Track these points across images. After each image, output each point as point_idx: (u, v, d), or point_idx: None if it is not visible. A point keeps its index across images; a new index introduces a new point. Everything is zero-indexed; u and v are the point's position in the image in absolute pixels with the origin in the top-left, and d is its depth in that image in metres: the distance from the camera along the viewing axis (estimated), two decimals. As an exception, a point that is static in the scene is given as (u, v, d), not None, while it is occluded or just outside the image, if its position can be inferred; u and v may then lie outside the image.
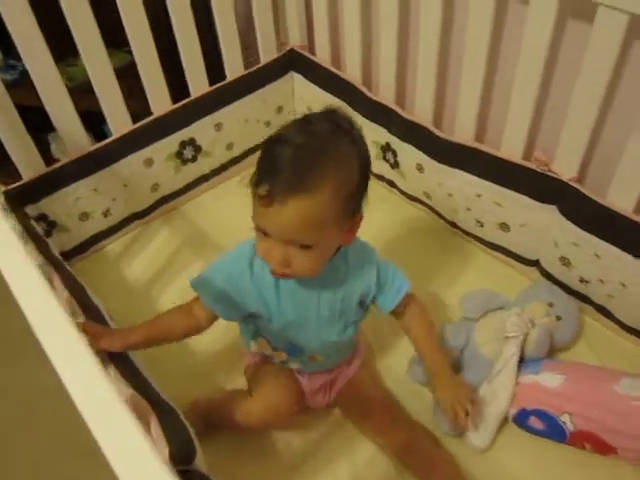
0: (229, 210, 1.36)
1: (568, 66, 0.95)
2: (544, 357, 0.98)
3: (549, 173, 1.01)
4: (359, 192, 0.73)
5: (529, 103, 0.99)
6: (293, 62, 1.40)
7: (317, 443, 0.96)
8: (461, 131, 1.13)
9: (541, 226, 1.06)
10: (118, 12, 1.09)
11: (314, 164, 0.67)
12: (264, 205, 0.67)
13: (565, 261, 1.05)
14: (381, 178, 1.36)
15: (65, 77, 1.21)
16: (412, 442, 0.91)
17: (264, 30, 1.36)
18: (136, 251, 1.30)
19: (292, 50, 1.39)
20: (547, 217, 1.04)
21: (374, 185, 1.39)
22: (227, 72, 1.32)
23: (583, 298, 1.07)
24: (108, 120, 1.19)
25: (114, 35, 1.14)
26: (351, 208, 0.72)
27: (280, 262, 0.71)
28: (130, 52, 1.17)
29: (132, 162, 1.23)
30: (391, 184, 1.35)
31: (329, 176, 0.67)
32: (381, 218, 1.31)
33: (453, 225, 1.24)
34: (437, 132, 1.15)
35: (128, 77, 1.22)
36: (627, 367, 1.01)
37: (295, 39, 1.40)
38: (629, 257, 0.94)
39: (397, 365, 1.04)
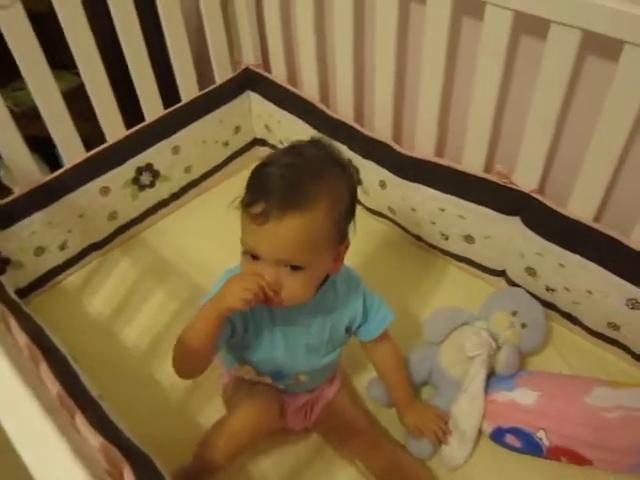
0: (191, 234, 1.34)
1: (525, 80, 0.96)
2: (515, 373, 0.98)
3: (510, 185, 1.02)
4: (347, 218, 0.76)
5: (488, 116, 1.00)
6: (249, 81, 1.38)
7: (296, 469, 0.94)
8: (421, 146, 1.14)
9: (505, 237, 1.07)
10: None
11: (308, 183, 0.69)
12: (259, 223, 0.67)
13: (531, 271, 1.06)
14: (344, 194, 1.35)
15: (10, 102, 1.16)
16: (395, 464, 0.90)
17: (217, 49, 1.33)
18: (96, 283, 1.26)
19: (247, 69, 1.38)
20: (511, 228, 1.05)
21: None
22: (182, 94, 1.29)
23: (550, 306, 1.08)
24: (59, 148, 1.15)
25: (62, 55, 1.09)
26: (340, 232, 0.74)
27: (273, 282, 0.70)
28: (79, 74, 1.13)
29: (87, 192, 1.19)
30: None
31: (323, 195, 0.69)
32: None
33: (418, 239, 1.24)
34: (398, 148, 1.15)
35: (78, 100, 1.17)
36: (596, 371, 1.03)
37: (249, 57, 1.38)
38: (592, 265, 0.96)
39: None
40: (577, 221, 0.96)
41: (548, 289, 1.06)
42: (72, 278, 1.26)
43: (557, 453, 0.89)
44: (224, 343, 0.80)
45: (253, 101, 1.41)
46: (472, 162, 1.07)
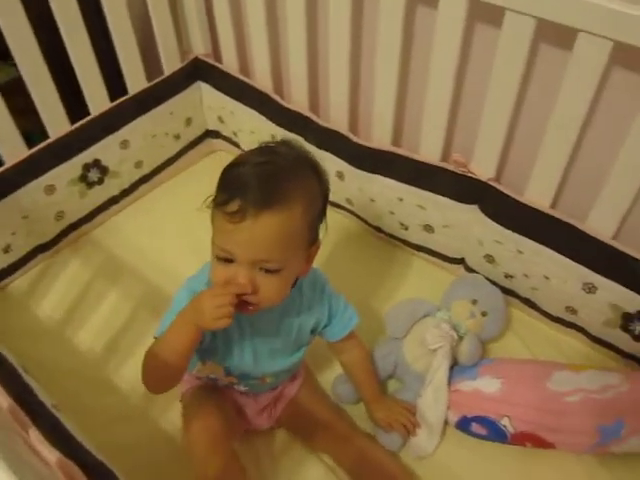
0: (143, 232, 1.29)
1: (480, 68, 0.96)
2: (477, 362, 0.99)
3: (468, 174, 1.02)
4: (320, 219, 0.76)
5: (444, 105, 1.00)
6: (199, 71, 1.34)
7: (266, 468, 0.92)
8: (378, 136, 1.12)
9: (464, 226, 1.07)
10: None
11: (285, 181, 0.68)
12: (235, 222, 0.65)
13: (490, 258, 1.07)
14: (301, 186, 1.33)
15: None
16: (365, 456, 0.90)
17: (165, 39, 1.28)
18: (44, 287, 1.20)
19: (196, 59, 1.33)
20: (469, 217, 1.05)
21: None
22: (128, 86, 1.24)
23: (509, 292, 1.10)
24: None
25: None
26: (313, 233, 0.74)
27: (248, 284, 0.68)
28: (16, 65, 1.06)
29: (31, 191, 1.12)
30: (312, 191, 1.32)
31: (300, 194, 0.69)
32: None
33: (378, 230, 1.24)
34: (354, 138, 1.13)
35: (17, 93, 1.10)
36: (556, 355, 1.05)
37: (198, 47, 1.33)
38: (549, 251, 0.97)
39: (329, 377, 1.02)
40: (534, 208, 0.97)
41: (507, 276, 1.07)
42: (18, 282, 1.20)
43: (521, 439, 0.91)
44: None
45: (204, 92, 1.37)
46: (430, 151, 1.07)
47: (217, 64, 1.31)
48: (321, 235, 0.77)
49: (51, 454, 0.64)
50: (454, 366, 0.97)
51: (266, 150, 0.73)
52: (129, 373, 1.02)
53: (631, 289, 0.91)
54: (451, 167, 1.04)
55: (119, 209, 1.33)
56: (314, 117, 1.17)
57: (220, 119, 1.40)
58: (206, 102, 1.38)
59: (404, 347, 0.98)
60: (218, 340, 0.79)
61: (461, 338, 0.97)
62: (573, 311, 1.02)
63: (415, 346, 0.98)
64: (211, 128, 1.44)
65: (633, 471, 0.90)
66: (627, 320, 0.95)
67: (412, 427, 0.92)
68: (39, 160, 1.12)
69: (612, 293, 0.93)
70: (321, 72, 1.19)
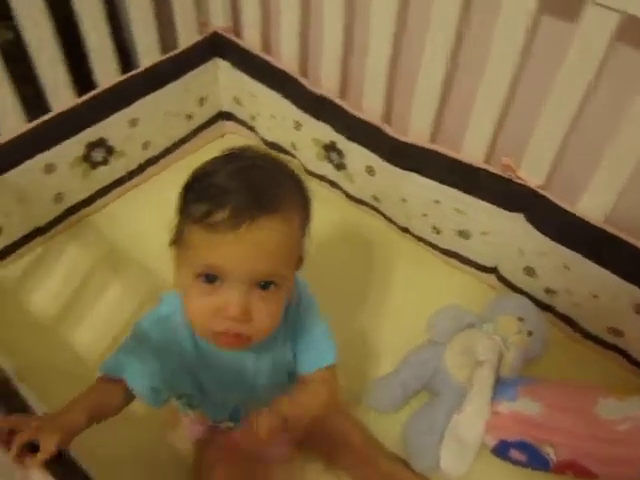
0: (147, 218, 1.17)
1: (543, 64, 0.87)
2: (516, 377, 0.92)
3: (516, 179, 0.94)
4: (307, 232, 0.66)
5: (496, 103, 0.90)
6: (217, 47, 1.22)
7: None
8: (416, 130, 1.03)
9: (505, 234, 0.99)
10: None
11: (277, 184, 0.59)
12: (225, 231, 0.55)
13: (530, 271, 0.99)
14: (322, 178, 1.23)
15: None
16: (391, 478, 0.82)
17: (183, 8, 1.16)
18: (40, 275, 1.09)
19: (215, 33, 1.21)
20: (512, 225, 0.97)
21: (313, 185, 1.28)
22: (141, 59, 1.12)
23: (546, 308, 1.02)
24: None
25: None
26: (302, 248, 0.65)
27: (240, 315, 0.57)
28: (11, 27, 0.94)
29: (28, 170, 1.01)
30: (333, 185, 1.22)
31: (294, 199, 0.61)
32: (321, 222, 1.18)
33: (405, 230, 1.15)
34: (389, 131, 1.03)
35: (11, 60, 0.98)
36: (594, 377, 0.98)
37: (218, 19, 1.22)
38: (600, 269, 0.89)
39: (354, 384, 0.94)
40: (586, 221, 0.89)
41: (548, 291, 0.99)
42: (12, 268, 1.09)
43: (564, 468, 0.84)
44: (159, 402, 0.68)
45: (221, 70, 1.26)
46: (472, 151, 0.98)
47: (237, 40, 1.20)
48: (304, 252, 0.67)
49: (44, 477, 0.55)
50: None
51: (238, 156, 0.62)
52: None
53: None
54: (497, 170, 0.95)
55: (122, 192, 1.22)
56: (344, 104, 1.07)
57: (237, 100, 1.29)
58: (222, 81, 1.27)
59: (446, 354, 0.91)
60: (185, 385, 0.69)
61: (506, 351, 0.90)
62: (617, 332, 0.95)
63: (458, 354, 0.91)
64: (225, 109, 1.33)
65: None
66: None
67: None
68: (39, 136, 1.01)
69: (667, 318, 0.86)
70: (356, 54, 1.09)
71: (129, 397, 0.67)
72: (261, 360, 0.69)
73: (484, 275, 1.09)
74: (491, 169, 0.96)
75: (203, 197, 0.57)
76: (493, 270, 1.07)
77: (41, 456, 0.55)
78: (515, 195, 0.94)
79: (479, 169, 0.96)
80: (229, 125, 1.36)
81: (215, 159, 0.62)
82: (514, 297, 1.01)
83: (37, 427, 0.57)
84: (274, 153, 0.66)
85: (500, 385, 0.90)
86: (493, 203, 0.97)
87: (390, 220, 1.16)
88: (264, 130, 1.27)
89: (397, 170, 1.04)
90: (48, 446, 0.56)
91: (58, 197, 1.09)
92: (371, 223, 1.21)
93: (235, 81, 1.24)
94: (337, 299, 1.05)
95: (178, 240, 0.61)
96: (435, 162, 1.00)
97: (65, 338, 0.99)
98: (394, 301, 1.07)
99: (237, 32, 1.23)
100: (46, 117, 1.01)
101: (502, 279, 1.06)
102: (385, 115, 1.07)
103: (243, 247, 0.55)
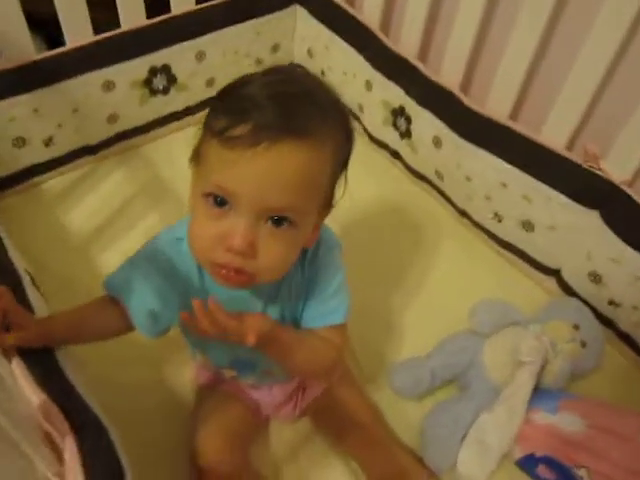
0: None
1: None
2: (560, 390, 0.82)
3: (597, 171, 0.83)
4: (343, 170, 0.57)
5: (588, 85, 0.81)
6: (301, -3, 1.17)
7: (283, 462, 0.78)
8: (494, 104, 0.94)
9: (574, 232, 0.89)
10: None
11: (312, 105, 0.51)
12: (241, 147, 0.48)
13: (596, 278, 0.89)
14: (384, 146, 1.16)
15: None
16: (397, 470, 0.76)
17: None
18: (80, 193, 1.07)
19: (300, -21, 1.16)
20: (585, 223, 0.87)
21: (373, 154, 1.21)
22: (219, -9, 1.08)
23: (606, 322, 0.91)
24: (63, 25, 0.94)
25: None
26: (332, 190, 0.57)
27: (244, 247, 0.50)
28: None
29: (88, 82, 0.99)
30: (395, 155, 1.15)
31: (330, 126, 0.52)
32: (375, 193, 1.13)
33: (462, 214, 1.06)
34: (465, 100, 0.95)
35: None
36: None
37: (305, -34, 1.17)
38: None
39: (382, 377, 0.87)
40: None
41: (612, 303, 0.88)
42: (54, 182, 1.08)
43: (595, 499, 0.74)
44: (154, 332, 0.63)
45: (299, 18, 1.20)
46: (554, 135, 0.88)
47: (322, -12, 1.14)
48: (338, 197, 0.58)
49: (36, 395, 0.51)
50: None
51: (281, 70, 0.56)
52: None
53: None
54: (576, 158, 0.85)
55: (178, 128, 1.18)
56: (422, 67, 0.99)
57: (309, 52, 1.23)
58: (299, 30, 1.22)
59: (485, 347, 0.83)
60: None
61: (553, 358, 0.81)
62: (685, 363, 0.83)
63: (499, 351, 0.82)
64: (297, 61, 1.28)
65: None
66: None
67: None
68: (103, 49, 0.98)
69: None
70: (442, 15, 1.00)
71: (129, 321, 0.62)
72: (269, 310, 0.62)
73: (542, 276, 0.99)
74: (571, 156, 0.86)
75: (227, 109, 0.51)
76: (554, 272, 0.97)
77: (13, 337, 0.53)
78: (593, 188, 0.84)
79: (558, 155, 0.87)
80: (298, 80, 1.30)
81: (257, 72, 0.54)
82: (572, 302, 0.91)
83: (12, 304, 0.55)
84: (316, 76, 0.59)
85: (539, 394, 0.81)
86: (567, 194, 0.87)
87: (449, 200, 1.07)
88: (332, 86, 1.21)
89: (466, 144, 0.95)
90: (22, 322, 0.55)
91: (112, 118, 1.06)
92: (427, 202, 1.12)
93: (312, 31, 1.18)
94: (373, 275, 0.99)
95: (196, 156, 0.55)
96: (510, 141, 0.91)
97: (93, 259, 0.97)
98: (432, 287, 0.99)
99: (322, -20, 1.17)
100: (111, 33, 0.99)
101: (562, 284, 0.96)
102: (463, 85, 0.99)
103: (258, 170, 0.48)
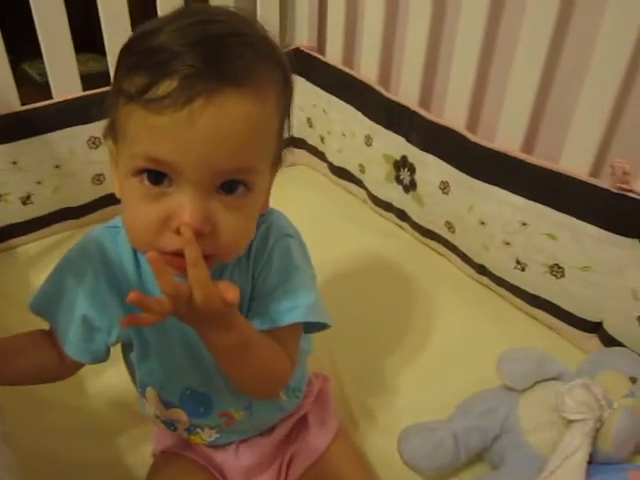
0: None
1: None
2: (624, 460, 0.64)
3: (630, 193, 0.73)
4: (286, 119, 0.49)
5: (605, 100, 0.73)
6: (297, 64, 1.15)
7: None
8: (505, 140, 0.86)
9: (613, 269, 0.76)
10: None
11: (247, 48, 0.42)
12: (171, 109, 0.38)
13: (646, 321, 0.74)
14: (388, 207, 1.07)
15: (35, 71, 0.99)
16: None
17: (267, 28, 1.13)
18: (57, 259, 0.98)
19: (297, 49, 1.16)
20: (624, 256, 0.74)
21: (377, 218, 1.12)
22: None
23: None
24: (51, 79, 0.92)
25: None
26: (279, 144, 0.47)
27: (200, 224, 0.40)
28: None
29: (72, 136, 0.95)
30: (401, 216, 1.06)
31: (271, 70, 0.44)
32: (385, 257, 1.01)
33: (481, 271, 0.93)
34: (472, 137, 0.88)
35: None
36: None
37: (302, 40, 1.18)
38: None
39: (382, 438, 0.70)
40: None
41: (671, 351, 0.73)
42: (31, 246, 1.00)
43: None
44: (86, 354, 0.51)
45: (298, 88, 1.17)
46: (575, 162, 0.79)
47: (319, 55, 1.14)
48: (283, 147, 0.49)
49: None
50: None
51: (193, 10, 0.45)
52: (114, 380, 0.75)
53: None
54: (605, 184, 0.75)
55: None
56: (423, 112, 0.94)
57: (309, 122, 1.20)
58: (297, 100, 1.19)
59: (520, 405, 0.66)
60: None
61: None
62: None
63: (536, 409, 0.66)
64: (296, 135, 1.24)
65: None
66: None
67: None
68: (90, 104, 0.95)
69: None
70: (442, 59, 0.97)
71: (63, 354, 0.51)
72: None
73: (583, 335, 0.84)
74: (597, 182, 0.76)
75: (140, 65, 0.41)
76: (595, 327, 0.82)
77: None
78: (628, 213, 0.73)
79: (582, 182, 0.77)
80: (299, 154, 1.26)
81: (165, 15, 0.44)
82: (623, 351, 0.75)
83: None
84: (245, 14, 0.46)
85: (597, 464, 0.63)
86: (598, 225, 0.75)
87: (464, 257, 0.95)
88: (333, 153, 1.16)
89: (477, 183, 0.86)
90: None
91: (98, 179, 1.01)
92: (441, 263, 1.01)
93: (310, 98, 1.16)
94: (388, 344, 0.86)
95: (111, 130, 0.45)
96: (526, 173, 0.82)
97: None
98: (452, 351, 0.84)
99: (320, 50, 1.18)
100: (100, 90, 0.95)
101: (608, 339, 0.80)
102: (469, 126, 0.92)
103: (198, 131, 0.39)
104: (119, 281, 0.50)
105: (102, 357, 0.52)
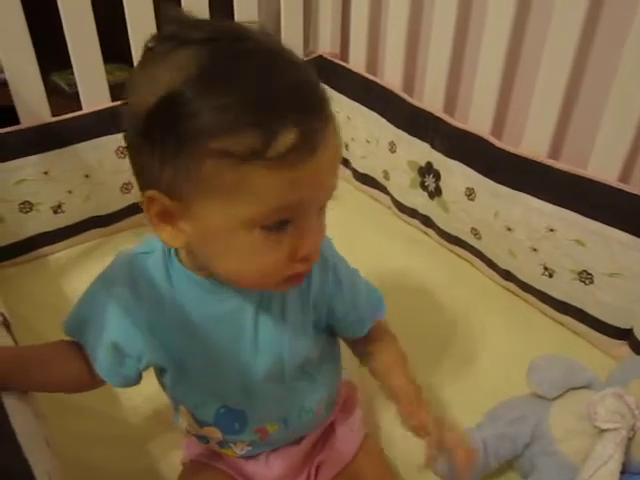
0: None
1: None
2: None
3: (660, 198, 0.72)
4: None
5: (634, 109, 0.72)
6: (320, 71, 1.16)
7: None
8: (530, 143, 0.86)
9: (643, 275, 0.75)
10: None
11: (313, 79, 0.43)
12: (302, 161, 0.39)
13: (679, 329, 0.73)
14: (413, 214, 1.07)
15: (64, 82, 1.09)
16: None
17: (291, 38, 1.14)
18: (91, 269, 0.98)
19: (320, 57, 1.17)
20: (655, 262, 0.73)
21: (402, 225, 1.12)
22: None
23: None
24: (80, 90, 0.94)
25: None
26: None
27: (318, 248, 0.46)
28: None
29: (101, 146, 0.96)
30: (426, 222, 1.05)
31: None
32: (410, 263, 1.01)
33: (507, 276, 0.93)
34: (497, 142, 0.87)
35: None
36: None
37: (325, 47, 1.18)
38: None
39: (409, 445, 0.69)
40: None
41: None
42: (62, 254, 1.01)
43: None
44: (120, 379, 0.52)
45: (322, 94, 1.19)
46: (603, 169, 0.78)
47: (342, 62, 1.14)
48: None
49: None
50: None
51: (249, 43, 0.41)
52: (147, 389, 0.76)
53: None
54: (632, 189, 0.74)
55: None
56: (447, 118, 0.94)
57: (333, 129, 1.20)
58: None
59: (552, 413, 0.65)
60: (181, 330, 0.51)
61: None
62: None
63: (568, 418, 0.64)
64: (321, 142, 1.25)
65: None
66: None
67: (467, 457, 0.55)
68: (119, 115, 0.97)
69: None
70: (467, 65, 0.97)
71: (94, 371, 0.52)
72: (260, 320, 0.51)
73: (610, 342, 0.83)
74: (626, 188, 0.75)
75: (237, 121, 0.38)
76: (625, 334, 0.81)
77: None
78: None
79: (610, 187, 0.76)
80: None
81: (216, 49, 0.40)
82: (655, 359, 0.74)
83: None
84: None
85: (630, 474, 0.62)
86: (627, 230, 0.74)
87: (490, 263, 0.95)
88: (357, 160, 1.16)
89: (503, 189, 0.86)
90: None
91: (126, 187, 1.02)
92: (467, 269, 1.01)
93: (333, 105, 1.15)
94: (412, 351, 0.85)
95: (164, 184, 0.43)
96: (553, 179, 0.81)
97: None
98: (478, 359, 0.84)
99: (343, 57, 1.18)
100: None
101: (638, 346, 0.79)
102: (494, 132, 0.92)
103: (322, 168, 0.41)
104: (150, 305, 0.50)
105: (133, 381, 0.53)
